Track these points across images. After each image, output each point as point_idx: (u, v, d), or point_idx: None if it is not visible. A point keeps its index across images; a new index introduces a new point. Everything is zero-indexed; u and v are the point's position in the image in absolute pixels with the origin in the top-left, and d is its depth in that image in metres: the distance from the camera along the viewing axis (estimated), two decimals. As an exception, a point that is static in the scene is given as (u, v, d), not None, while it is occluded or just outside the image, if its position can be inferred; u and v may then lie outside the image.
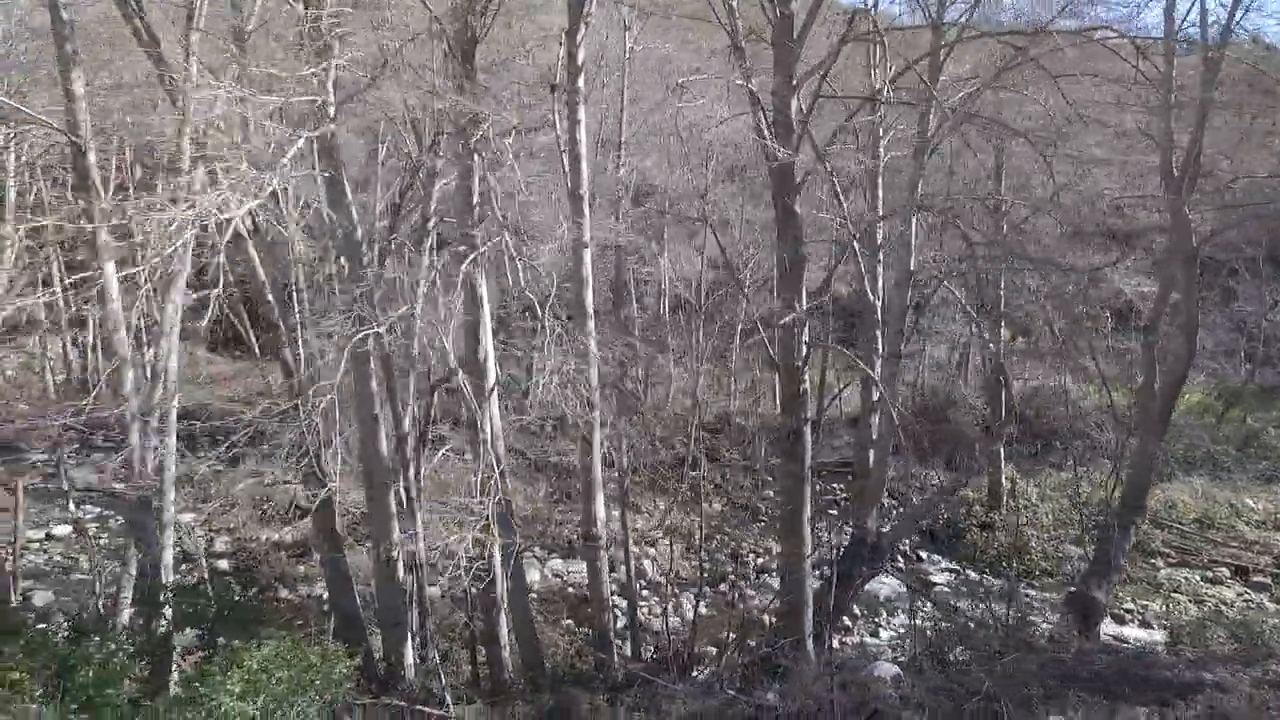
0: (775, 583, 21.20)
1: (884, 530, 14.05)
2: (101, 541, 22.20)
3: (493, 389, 12.64)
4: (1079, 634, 12.86)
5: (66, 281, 32.30)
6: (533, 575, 20.18)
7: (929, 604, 15.97)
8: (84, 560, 20.42)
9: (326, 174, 11.59)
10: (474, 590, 14.09)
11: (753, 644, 13.20)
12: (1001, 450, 21.94)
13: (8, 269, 21.82)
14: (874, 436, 14.34)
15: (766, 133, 11.43)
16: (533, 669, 12.81)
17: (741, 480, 25.26)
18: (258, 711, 8.79)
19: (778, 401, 26.68)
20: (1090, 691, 11.06)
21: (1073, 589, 14.44)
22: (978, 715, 10.48)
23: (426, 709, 10.23)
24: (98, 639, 9.65)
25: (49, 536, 21.53)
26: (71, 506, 19.05)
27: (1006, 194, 17.85)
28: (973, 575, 21.21)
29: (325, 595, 19.54)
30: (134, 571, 13.06)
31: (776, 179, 11.19)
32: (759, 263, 24.59)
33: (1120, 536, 13.81)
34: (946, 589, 20.58)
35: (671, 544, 23.13)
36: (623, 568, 16.05)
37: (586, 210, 12.71)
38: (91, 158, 11.04)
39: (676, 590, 20.50)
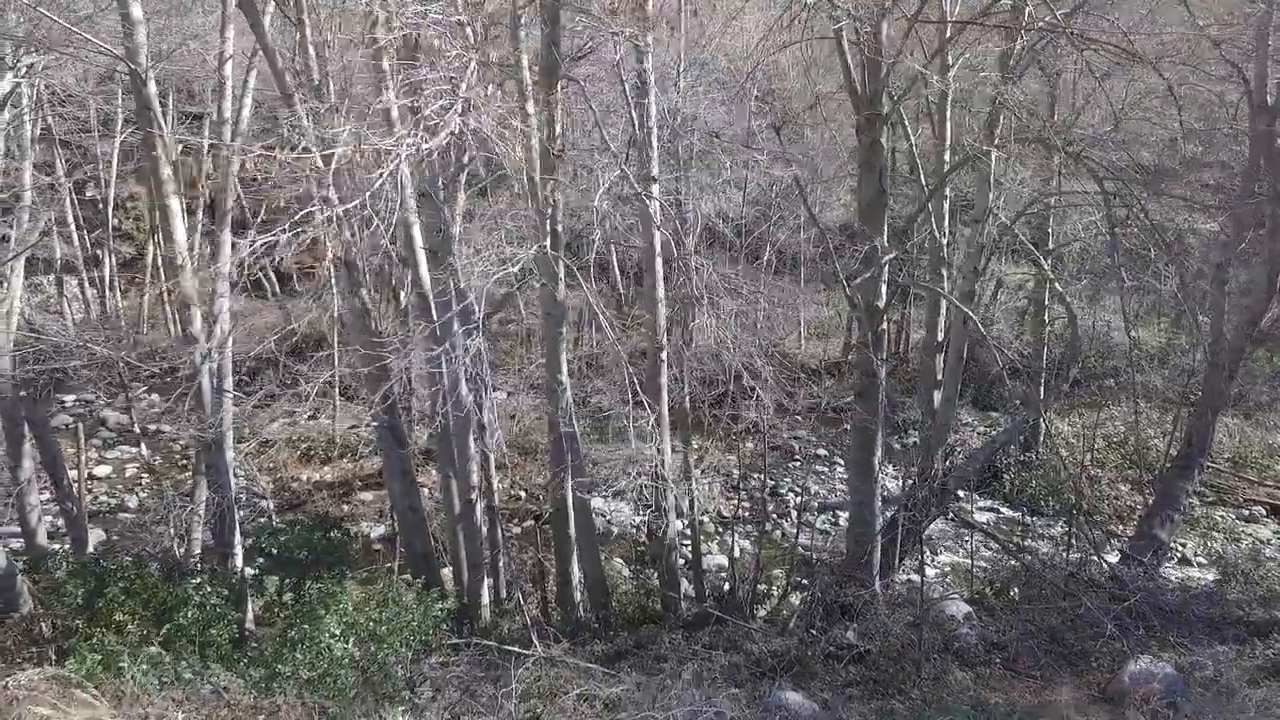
0: (817, 522, 21.55)
1: (948, 471, 14.01)
2: (143, 481, 22.36)
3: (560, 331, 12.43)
4: (1144, 574, 12.93)
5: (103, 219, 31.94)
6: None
7: (988, 541, 16.05)
8: (133, 501, 20.58)
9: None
10: (545, 529, 14.22)
11: (819, 583, 13.28)
12: (1042, 390, 21.90)
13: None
14: (938, 377, 14.22)
15: (849, 60, 11.02)
16: (602, 609, 12.92)
17: (778, 420, 25.21)
18: (356, 650, 8.83)
19: (843, 342, 26.58)
20: (1165, 630, 11.17)
21: (1131, 529, 14.51)
22: (1062, 655, 10.59)
23: (516, 649, 10.30)
24: (197, 580, 9.66)
25: (91, 477, 21.59)
26: (143, 449, 18.99)
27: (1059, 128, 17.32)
28: (1008, 513, 21.41)
29: (373, 534, 19.80)
30: (202, 513, 13.08)
31: (867, 108, 10.82)
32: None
33: (1184, 477, 13.81)
34: (986, 527, 20.77)
35: (710, 483, 23.35)
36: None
37: (656, 160, 12.30)
38: (152, 87, 10.62)
39: (720, 529, 20.74)
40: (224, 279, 13.16)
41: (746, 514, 20.61)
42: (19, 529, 13.13)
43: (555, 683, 9.36)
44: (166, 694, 6.60)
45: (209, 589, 9.63)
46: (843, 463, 24.77)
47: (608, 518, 21.13)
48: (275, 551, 10.97)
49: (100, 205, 32.13)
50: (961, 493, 22.59)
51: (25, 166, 15.10)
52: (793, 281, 29.35)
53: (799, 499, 22.14)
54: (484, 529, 12.29)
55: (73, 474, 14.36)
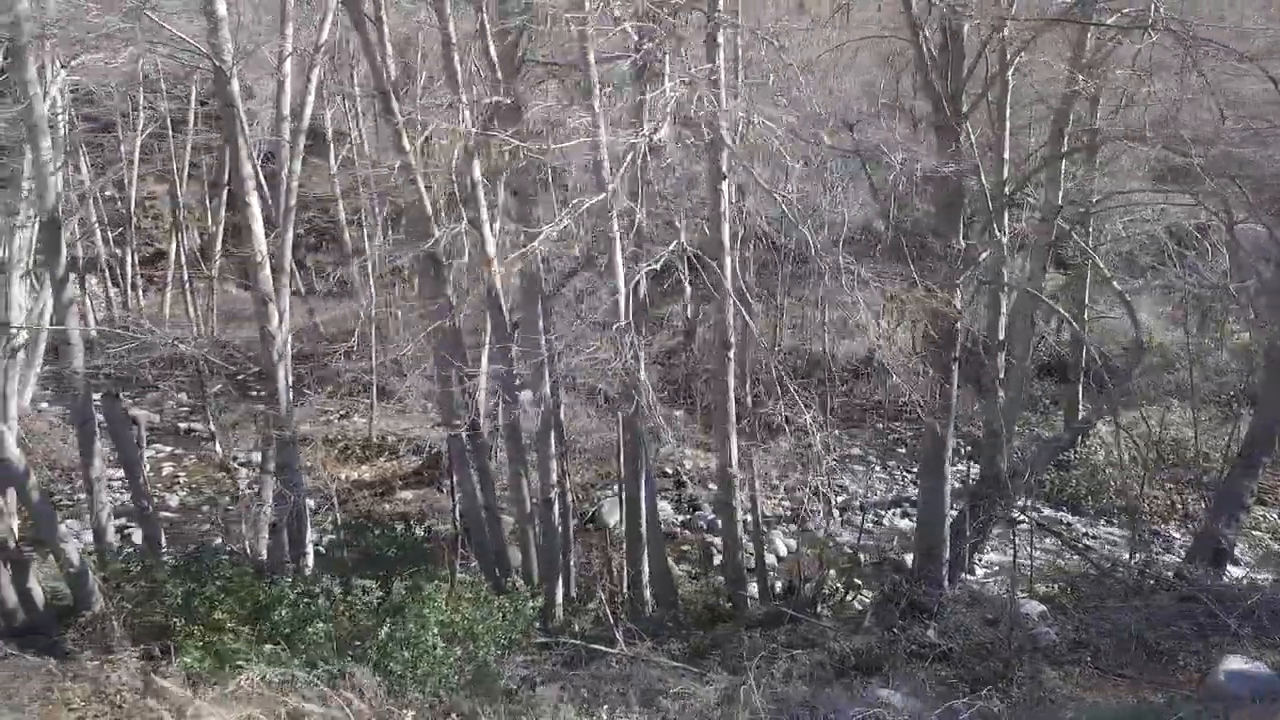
0: (856, 519, 21.54)
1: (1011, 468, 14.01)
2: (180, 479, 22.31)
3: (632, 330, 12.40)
4: (1209, 574, 12.93)
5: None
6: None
7: (1040, 541, 16.05)
8: (173, 499, 20.55)
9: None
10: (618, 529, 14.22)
11: (888, 581, 13.30)
12: (1080, 388, 21.91)
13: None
14: (1000, 375, 14.24)
15: (926, 52, 11.01)
16: (671, 607, 12.92)
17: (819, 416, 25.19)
18: (459, 649, 8.82)
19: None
20: (1243, 630, 11.15)
21: (1196, 529, 14.51)
22: (1145, 655, 10.58)
23: (603, 647, 10.29)
24: (289, 579, 9.65)
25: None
26: (218, 447, 18.96)
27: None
28: (1048, 512, 21.40)
29: (418, 532, 19.75)
30: (269, 511, 13.06)
31: (949, 105, 10.81)
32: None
33: (1247, 476, 13.82)
34: (1025, 527, 20.79)
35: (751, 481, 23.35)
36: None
37: (726, 156, 12.26)
38: (235, 84, 10.60)
39: (766, 528, 20.76)
40: (285, 274, 13.21)
41: (789, 512, 20.63)
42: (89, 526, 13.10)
43: (648, 681, 9.36)
44: (306, 691, 6.58)
45: (300, 588, 9.60)
46: (878, 463, 24.85)
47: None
48: (373, 549, 10.87)
49: (120, 204, 32.18)
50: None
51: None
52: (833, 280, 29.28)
53: (839, 498, 22.16)
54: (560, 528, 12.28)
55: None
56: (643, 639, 10.86)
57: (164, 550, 12.83)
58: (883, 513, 21.39)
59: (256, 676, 6.82)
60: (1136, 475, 16.51)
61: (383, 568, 10.40)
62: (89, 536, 13.84)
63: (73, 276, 13.87)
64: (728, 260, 12.81)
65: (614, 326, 9.55)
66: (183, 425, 24.78)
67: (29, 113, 11.38)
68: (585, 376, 13.31)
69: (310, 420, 24.48)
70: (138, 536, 15.32)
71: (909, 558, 15.63)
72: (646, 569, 12.69)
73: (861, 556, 17.74)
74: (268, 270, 11.43)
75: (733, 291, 13.04)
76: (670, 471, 23.39)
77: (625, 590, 12.67)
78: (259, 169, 11.18)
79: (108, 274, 32.21)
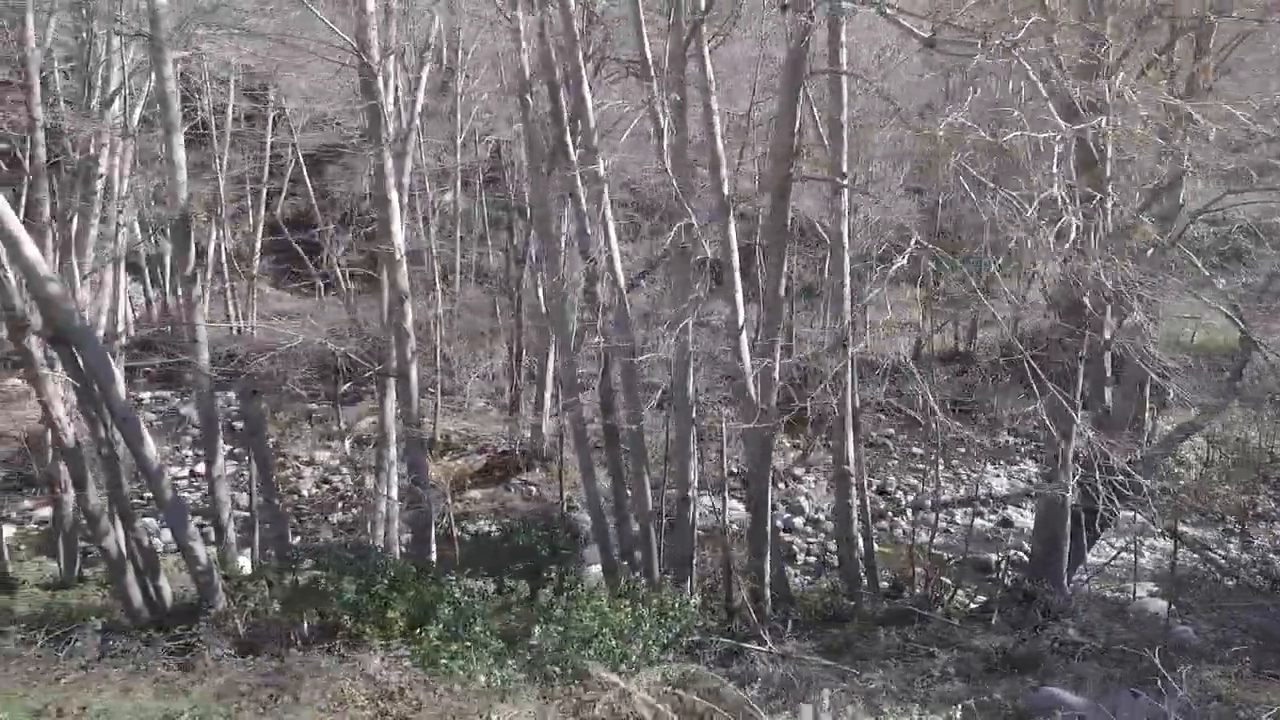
0: (929, 518, 21.56)
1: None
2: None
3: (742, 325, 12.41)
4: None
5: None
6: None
7: (1143, 541, 16.03)
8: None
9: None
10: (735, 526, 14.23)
11: (1004, 578, 13.30)
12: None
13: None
14: (1107, 373, 14.21)
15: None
16: (790, 605, 12.91)
17: (880, 415, 25.24)
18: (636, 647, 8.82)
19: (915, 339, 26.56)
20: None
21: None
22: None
23: (752, 646, 10.29)
24: (453, 577, 9.64)
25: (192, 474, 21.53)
26: (347, 446, 19.02)
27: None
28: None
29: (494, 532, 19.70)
30: (390, 510, 13.07)
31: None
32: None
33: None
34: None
35: (817, 480, 23.37)
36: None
37: (846, 155, 12.21)
38: (380, 80, 10.58)
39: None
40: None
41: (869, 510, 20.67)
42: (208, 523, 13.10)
43: (808, 677, 9.35)
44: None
45: (462, 588, 9.59)
46: (942, 462, 24.86)
47: (718, 514, 21.12)
48: (521, 547, 10.85)
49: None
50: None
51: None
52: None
53: (909, 497, 22.19)
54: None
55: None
56: (787, 637, 10.85)
57: (291, 548, 12.81)
58: (954, 512, 21.39)
59: (486, 676, 6.79)
60: (1244, 475, 16.46)
61: (528, 565, 10.38)
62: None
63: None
64: (846, 260, 12.81)
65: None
66: (238, 424, 24.77)
67: (165, 111, 11.38)
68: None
69: (361, 417, 24.54)
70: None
71: (1000, 556, 15.68)
72: (768, 566, 12.68)
73: (946, 556, 17.77)
74: (405, 268, 11.41)
75: (850, 293, 13.07)
76: (735, 470, 23.42)
77: (731, 589, 12.62)
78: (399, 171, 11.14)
79: (145, 273, 32.12)
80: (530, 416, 23.27)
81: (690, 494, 11.80)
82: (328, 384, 20.62)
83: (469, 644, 8.53)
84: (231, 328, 21.97)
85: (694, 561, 12.67)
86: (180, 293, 11.82)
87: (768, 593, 12.85)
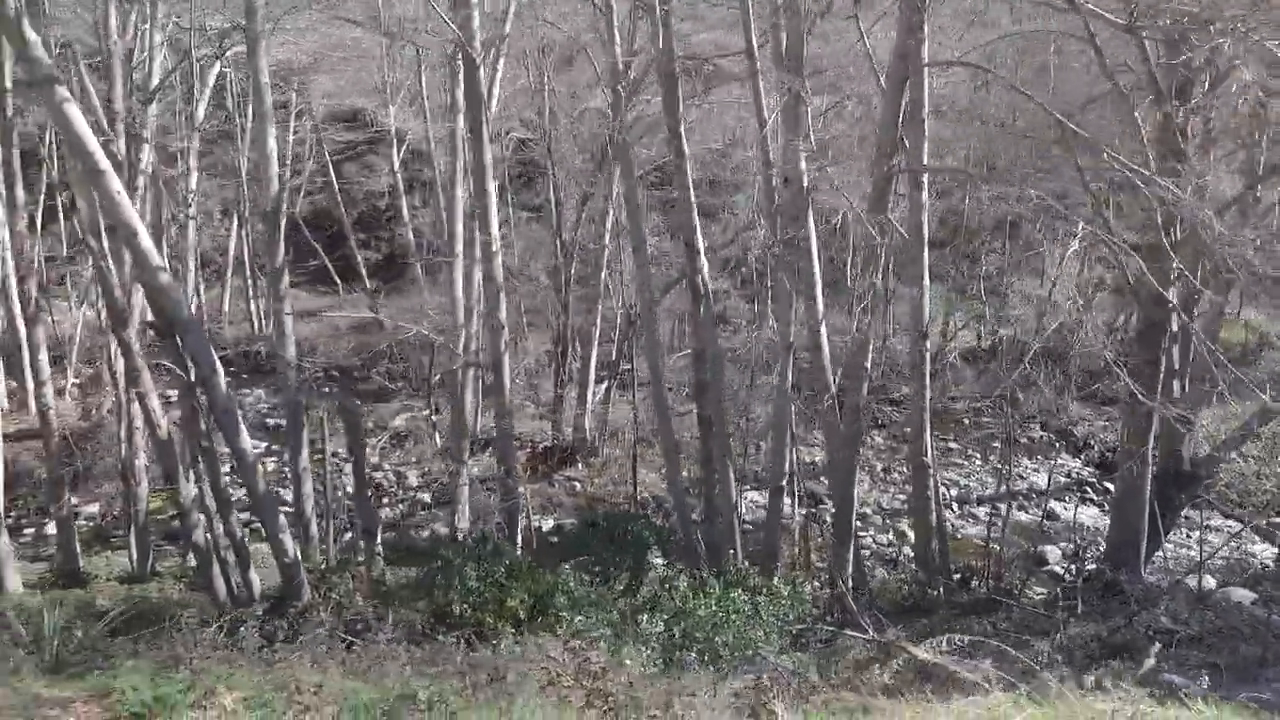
0: (979, 511, 21.73)
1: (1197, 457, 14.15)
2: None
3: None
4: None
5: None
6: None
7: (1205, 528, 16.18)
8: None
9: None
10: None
11: (1080, 568, 13.43)
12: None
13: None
14: (1175, 366, 14.35)
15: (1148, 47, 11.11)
16: (867, 593, 12.99)
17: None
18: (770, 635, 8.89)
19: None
20: None
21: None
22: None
23: (853, 633, 10.36)
24: (568, 568, 9.68)
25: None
26: (437, 438, 19.03)
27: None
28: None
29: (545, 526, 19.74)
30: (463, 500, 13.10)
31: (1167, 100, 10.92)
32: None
33: None
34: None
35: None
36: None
37: (926, 149, 12.31)
38: (483, 71, 10.61)
39: (889, 520, 20.93)
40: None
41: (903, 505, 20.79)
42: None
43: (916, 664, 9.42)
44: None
45: (578, 578, 9.63)
46: (978, 457, 25.03)
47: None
48: (622, 536, 10.88)
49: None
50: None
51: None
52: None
53: (952, 491, 22.33)
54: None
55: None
56: (886, 625, 10.93)
57: (379, 541, 12.81)
58: (999, 506, 21.55)
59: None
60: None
61: (628, 555, 10.41)
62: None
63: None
64: (924, 255, 12.89)
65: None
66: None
67: (260, 102, 11.38)
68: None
69: (398, 414, 24.53)
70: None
71: (1075, 543, 15.78)
72: (851, 557, 12.77)
73: (994, 548, 17.94)
74: (500, 260, 11.44)
75: (928, 285, 13.16)
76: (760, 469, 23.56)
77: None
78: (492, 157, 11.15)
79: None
80: (572, 412, 23.32)
81: (783, 484, 11.88)
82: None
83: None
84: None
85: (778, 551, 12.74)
86: (266, 286, 11.74)
87: (850, 583, 12.94)
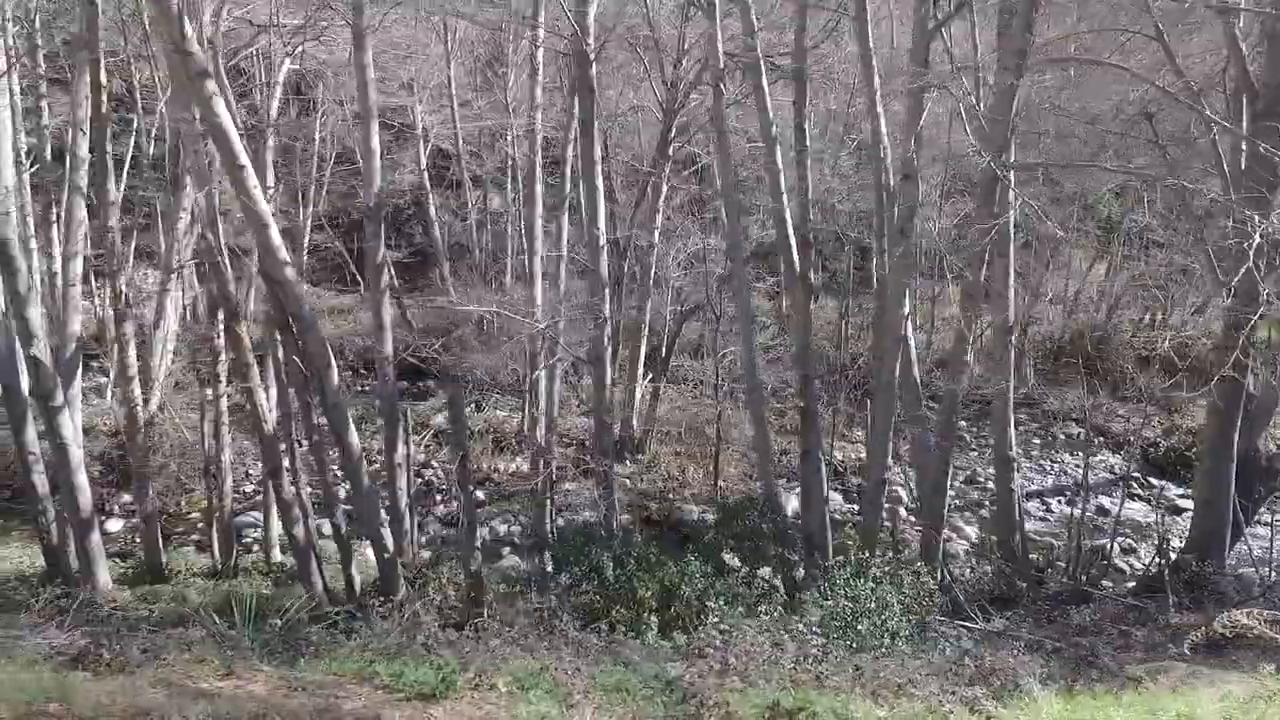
0: (1030, 506, 21.89)
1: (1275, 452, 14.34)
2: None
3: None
4: None
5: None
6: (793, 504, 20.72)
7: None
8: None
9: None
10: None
11: (1164, 561, 13.57)
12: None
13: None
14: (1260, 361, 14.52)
15: (1241, 48, 11.26)
16: (951, 584, 13.10)
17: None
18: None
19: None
20: None
21: None
22: None
23: (966, 624, 10.48)
24: (693, 556, 9.76)
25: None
26: (539, 432, 18.92)
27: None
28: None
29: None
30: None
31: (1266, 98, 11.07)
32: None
33: None
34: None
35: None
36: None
37: (1014, 148, 12.47)
38: (594, 69, 10.68)
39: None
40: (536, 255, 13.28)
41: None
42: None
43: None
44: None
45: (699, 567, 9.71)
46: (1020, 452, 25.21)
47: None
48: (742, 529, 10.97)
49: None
50: (1152, 480, 23.14)
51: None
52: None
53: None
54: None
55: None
56: (997, 614, 11.05)
57: (479, 536, 12.84)
58: (1049, 500, 21.77)
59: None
60: None
61: (749, 545, 10.50)
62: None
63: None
64: (1011, 250, 13.01)
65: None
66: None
67: (364, 98, 11.41)
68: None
69: (438, 411, 24.53)
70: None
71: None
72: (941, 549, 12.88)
73: (1052, 542, 18.11)
74: (606, 257, 11.50)
75: (1015, 279, 13.28)
76: (825, 462, 23.69)
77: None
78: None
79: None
80: (620, 409, 23.38)
81: (886, 476, 11.97)
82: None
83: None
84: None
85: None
86: (367, 280, 11.81)
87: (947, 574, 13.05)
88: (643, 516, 20.14)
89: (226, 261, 10.46)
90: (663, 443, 23.58)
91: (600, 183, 11.10)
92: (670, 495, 21.48)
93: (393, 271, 29.60)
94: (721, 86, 11.54)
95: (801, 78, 11.27)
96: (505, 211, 29.00)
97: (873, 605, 8.69)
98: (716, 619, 8.39)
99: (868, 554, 10.22)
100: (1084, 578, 13.73)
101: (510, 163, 26.40)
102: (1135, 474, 23.28)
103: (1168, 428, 25.21)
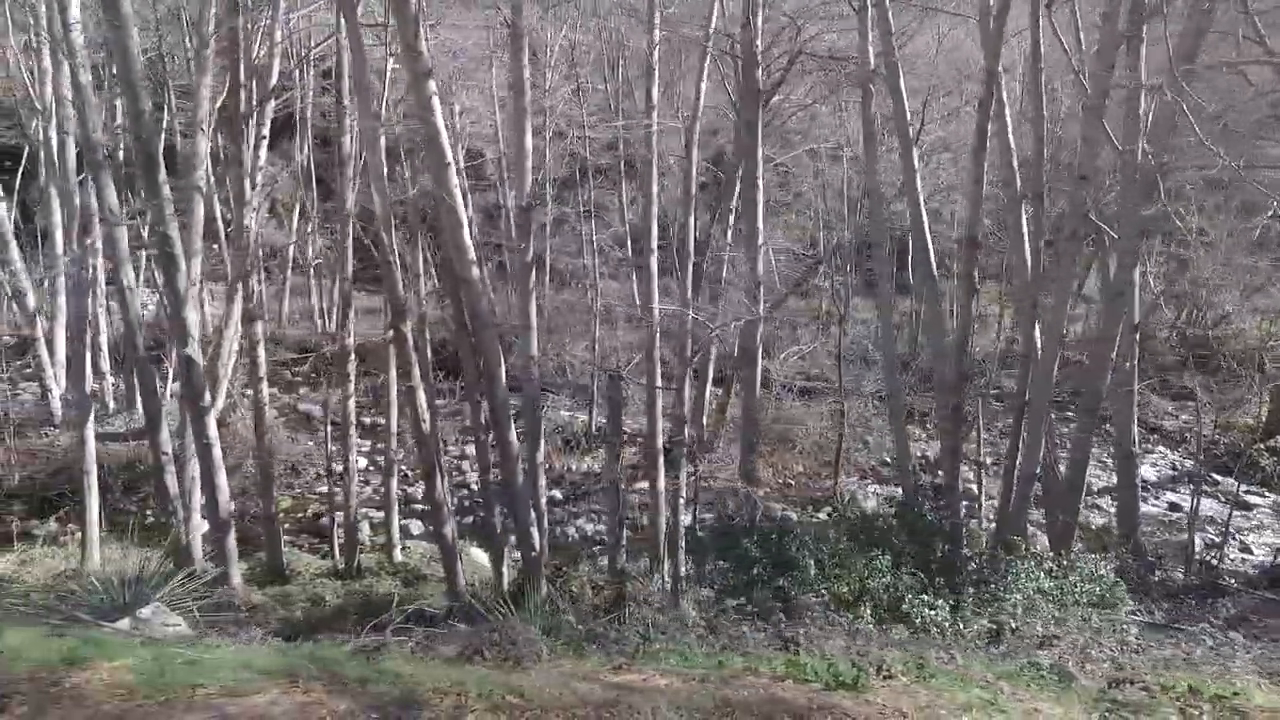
0: (1101, 501, 22.15)
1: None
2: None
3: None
4: None
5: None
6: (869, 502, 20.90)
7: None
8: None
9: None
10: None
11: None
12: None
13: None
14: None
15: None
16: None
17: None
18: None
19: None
20: None
21: None
22: None
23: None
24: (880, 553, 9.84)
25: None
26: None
27: None
28: (1273, 497, 22.06)
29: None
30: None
31: None
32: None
33: None
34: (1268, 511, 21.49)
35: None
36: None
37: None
38: (760, 72, 10.77)
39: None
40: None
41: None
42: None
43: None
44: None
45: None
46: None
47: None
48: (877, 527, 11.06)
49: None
50: (1216, 476, 23.44)
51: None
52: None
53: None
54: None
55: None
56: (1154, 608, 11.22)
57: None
58: (1114, 495, 22.04)
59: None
60: None
61: (919, 543, 10.58)
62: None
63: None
64: (1140, 247, 13.20)
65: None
66: (368, 420, 24.66)
67: (519, 97, 11.44)
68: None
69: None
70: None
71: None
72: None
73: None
74: (762, 254, 11.59)
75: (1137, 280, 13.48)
76: (890, 460, 23.86)
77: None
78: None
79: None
80: (687, 408, 23.42)
81: (1035, 471, 12.12)
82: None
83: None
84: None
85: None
86: (516, 282, 11.83)
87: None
88: (723, 514, 20.25)
89: (397, 261, 10.47)
90: (732, 441, 23.69)
91: (761, 184, 11.18)
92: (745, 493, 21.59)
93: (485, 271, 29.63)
94: (871, 88, 11.66)
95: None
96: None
97: (1035, 599, 8.81)
98: (911, 610, 8.53)
99: (1040, 547, 10.35)
100: (1200, 571, 13.95)
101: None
102: (1199, 471, 23.60)
103: (1224, 425, 25.54)
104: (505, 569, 12.19)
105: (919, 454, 24.69)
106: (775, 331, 25.28)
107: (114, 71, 14.90)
